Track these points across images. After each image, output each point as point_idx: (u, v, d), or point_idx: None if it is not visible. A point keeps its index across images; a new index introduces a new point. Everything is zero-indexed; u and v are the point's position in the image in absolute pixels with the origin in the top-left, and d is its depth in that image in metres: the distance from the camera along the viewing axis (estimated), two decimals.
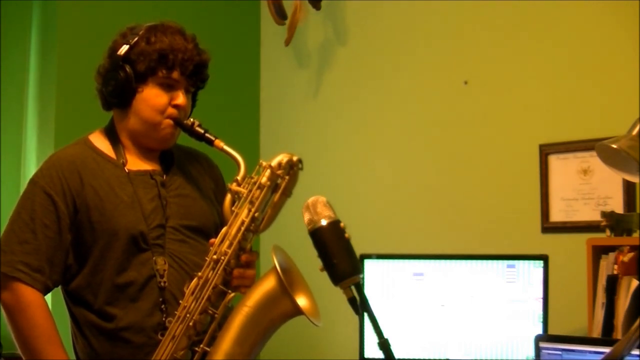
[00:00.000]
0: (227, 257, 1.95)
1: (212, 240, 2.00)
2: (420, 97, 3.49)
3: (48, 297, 2.07)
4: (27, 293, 1.97)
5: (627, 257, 2.60)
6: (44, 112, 3.40)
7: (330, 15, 3.77)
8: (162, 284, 2.01)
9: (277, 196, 1.97)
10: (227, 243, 1.96)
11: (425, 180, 3.45)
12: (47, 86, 3.41)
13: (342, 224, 1.67)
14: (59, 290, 2.09)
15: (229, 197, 1.99)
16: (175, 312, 1.95)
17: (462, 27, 3.39)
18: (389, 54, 3.60)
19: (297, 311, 1.86)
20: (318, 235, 1.66)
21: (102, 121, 2.18)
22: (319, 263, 1.65)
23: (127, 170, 2.07)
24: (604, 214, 2.75)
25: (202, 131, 2.04)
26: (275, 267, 1.86)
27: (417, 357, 2.74)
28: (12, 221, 2.03)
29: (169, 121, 2.07)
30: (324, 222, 1.65)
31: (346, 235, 1.67)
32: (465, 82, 3.35)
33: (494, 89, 3.29)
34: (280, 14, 3.74)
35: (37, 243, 1.99)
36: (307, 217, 1.68)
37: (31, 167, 3.33)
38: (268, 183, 1.96)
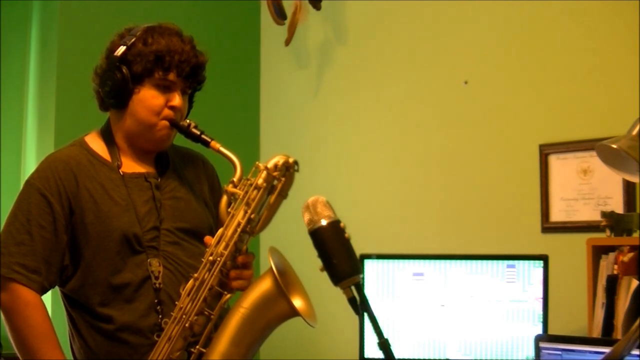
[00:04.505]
0: (223, 259, 1.95)
1: (208, 237, 2.00)
2: (420, 97, 3.49)
3: (47, 298, 2.07)
4: (24, 294, 1.98)
5: (627, 257, 2.60)
6: (44, 112, 3.40)
7: (330, 15, 3.76)
8: (157, 285, 2.01)
9: (273, 198, 1.97)
10: (223, 244, 1.96)
11: (425, 180, 3.44)
12: (47, 86, 3.41)
13: (342, 224, 1.67)
14: (58, 290, 2.09)
15: (225, 198, 1.99)
16: (171, 313, 1.95)
17: (462, 27, 3.39)
18: (389, 54, 3.60)
19: (293, 312, 1.87)
20: (318, 235, 1.66)
21: (101, 121, 2.18)
22: (318, 263, 1.65)
23: (121, 173, 2.07)
24: (604, 214, 2.75)
25: (198, 132, 2.04)
26: (271, 268, 1.86)
27: (417, 357, 2.74)
28: (8, 223, 2.04)
29: (165, 122, 2.06)
30: (323, 222, 1.66)
31: (346, 235, 1.67)
32: (465, 82, 3.35)
33: (494, 89, 3.29)
34: (280, 14, 3.74)
35: (34, 244, 1.99)
36: (307, 217, 1.68)
37: (31, 167, 3.31)
38: (264, 184, 1.96)
